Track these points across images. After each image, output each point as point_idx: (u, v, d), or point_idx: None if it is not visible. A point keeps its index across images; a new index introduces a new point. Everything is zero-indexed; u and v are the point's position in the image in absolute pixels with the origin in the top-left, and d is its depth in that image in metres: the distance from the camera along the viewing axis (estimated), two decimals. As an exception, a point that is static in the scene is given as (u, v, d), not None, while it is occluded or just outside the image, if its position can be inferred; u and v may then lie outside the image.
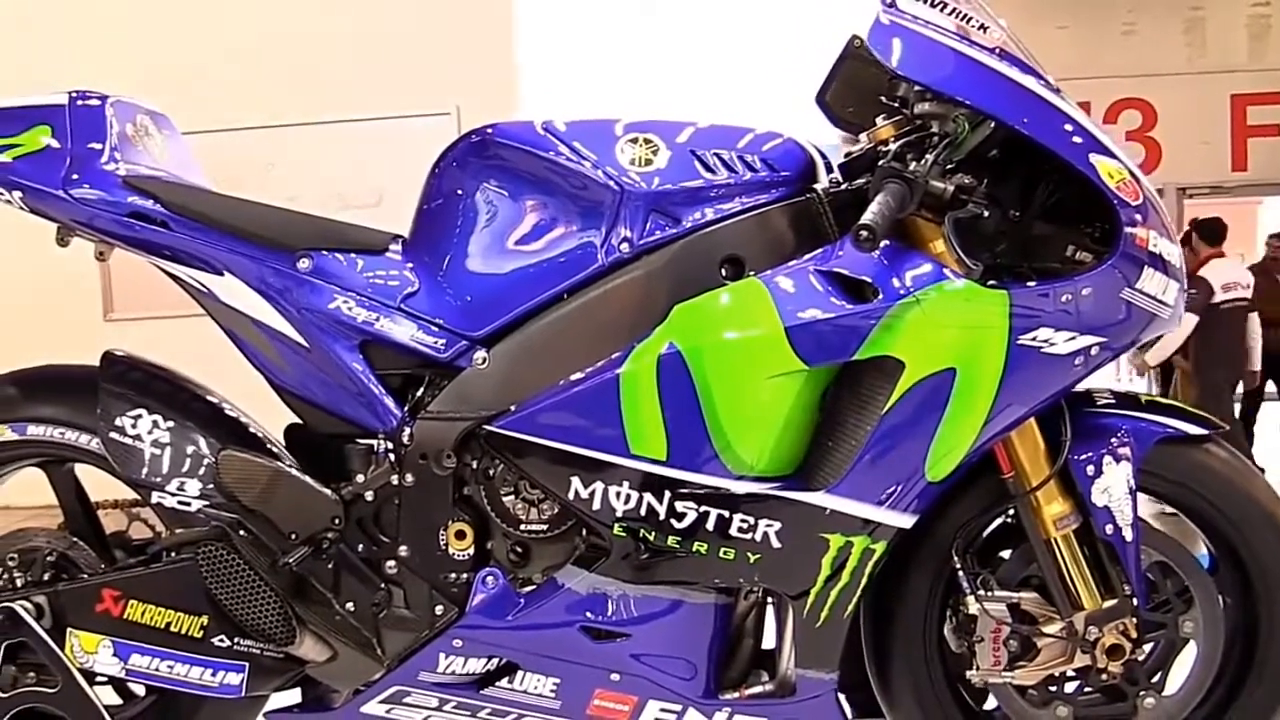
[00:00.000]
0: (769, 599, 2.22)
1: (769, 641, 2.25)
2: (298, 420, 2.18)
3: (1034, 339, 1.90)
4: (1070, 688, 2.19)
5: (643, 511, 1.95)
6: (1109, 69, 8.82)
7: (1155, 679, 2.18)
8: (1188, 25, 9.09)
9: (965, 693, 2.22)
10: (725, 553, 1.97)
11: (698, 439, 1.92)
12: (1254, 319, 7.15)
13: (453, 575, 2.06)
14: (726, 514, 1.95)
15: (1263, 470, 2.28)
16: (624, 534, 1.97)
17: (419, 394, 2.07)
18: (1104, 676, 2.12)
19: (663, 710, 2.09)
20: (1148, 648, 2.14)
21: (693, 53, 7.96)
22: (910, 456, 1.94)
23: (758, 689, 2.15)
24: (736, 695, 2.12)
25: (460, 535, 2.04)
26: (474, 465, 2.04)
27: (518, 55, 7.47)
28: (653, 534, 1.96)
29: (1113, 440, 2.07)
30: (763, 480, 1.95)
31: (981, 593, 2.09)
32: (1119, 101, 8.97)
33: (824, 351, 1.89)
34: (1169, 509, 2.21)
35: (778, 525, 1.95)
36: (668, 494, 1.94)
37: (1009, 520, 2.19)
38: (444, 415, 2.02)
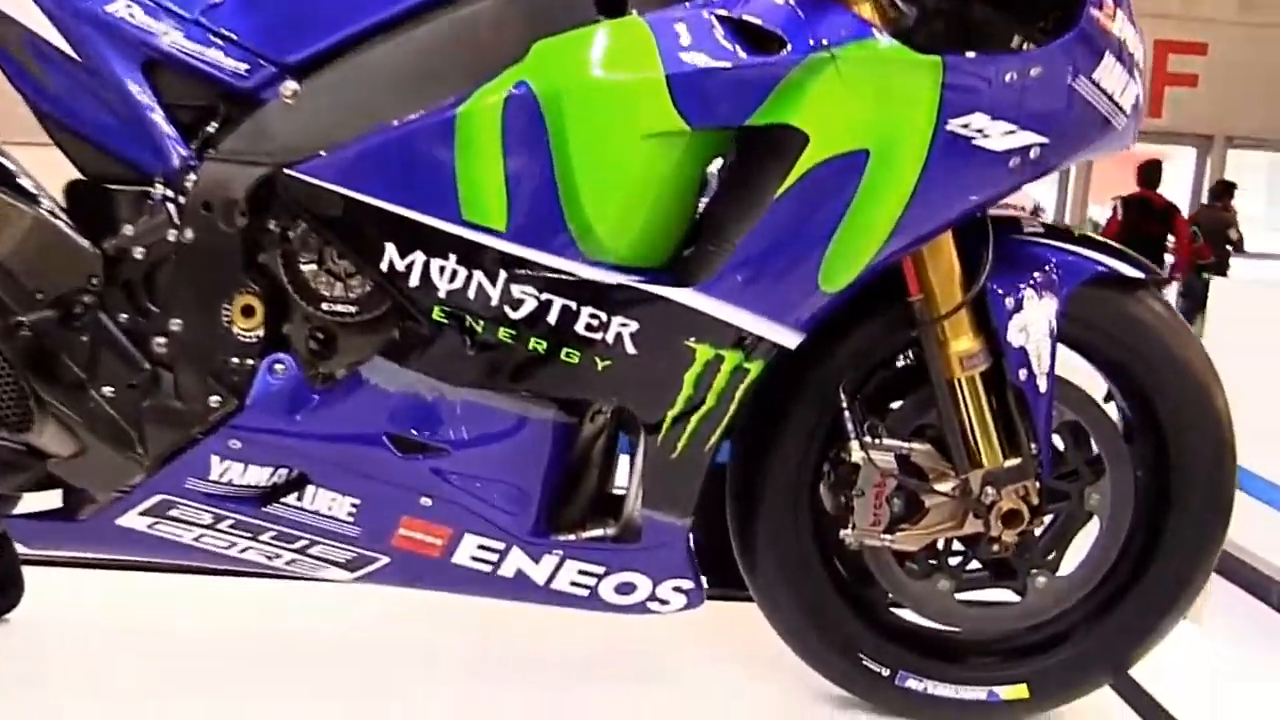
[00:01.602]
0: (621, 430, 1.83)
1: (620, 484, 1.86)
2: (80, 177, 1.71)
3: (966, 125, 1.52)
4: (954, 561, 1.85)
5: (471, 294, 1.54)
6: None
7: (1050, 556, 1.85)
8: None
9: (839, 563, 1.87)
10: (568, 355, 1.56)
11: (545, 207, 1.51)
12: None
13: (235, 360, 1.62)
14: (573, 306, 1.54)
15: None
16: (446, 321, 1.55)
17: (210, 131, 1.61)
18: (995, 548, 1.78)
19: (481, 548, 1.70)
20: (1046, 520, 1.81)
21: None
22: (803, 256, 1.55)
23: (598, 531, 1.76)
24: (572, 537, 1.74)
25: (248, 311, 1.60)
26: (271, 225, 1.59)
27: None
28: (481, 324, 1.55)
29: (1039, 272, 1.71)
30: (621, 270, 1.55)
31: (868, 439, 1.73)
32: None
33: (710, 110, 1.48)
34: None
35: (634, 326, 1.55)
36: (503, 274, 1.53)
37: (907, 363, 1.83)
38: (238, 157, 1.57)
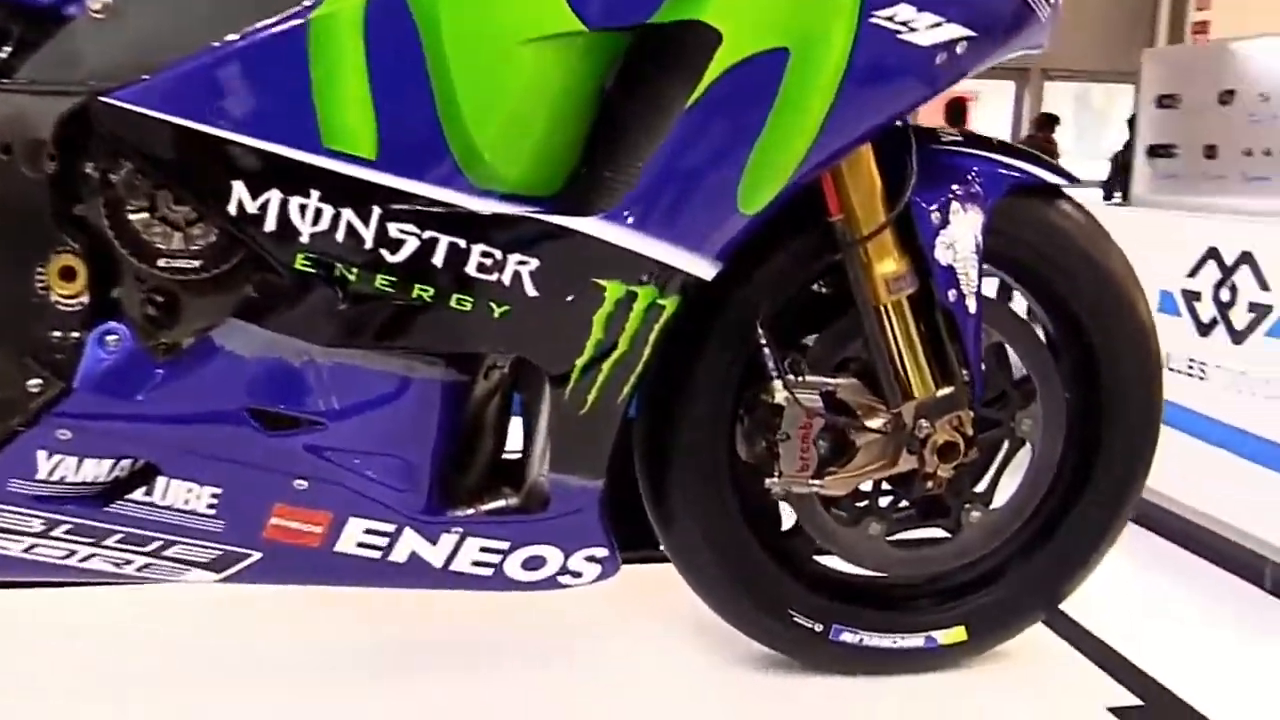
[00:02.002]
0: (519, 386, 1.62)
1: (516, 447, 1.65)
2: None
3: (891, 18, 1.35)
4: (885, 502, 1.70)
5: (339, 237, 1.30)
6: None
7: (982, 489, 1.72)
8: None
9: (760, 514, 1.70)
10: (459, 303, 1.34)
11: (421, 128, 1.28)
12: None
13: (55, 334, 1.35)
14: (462, 244, 1.32)
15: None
16: (311, 271, 1.31)
17: (2, 57, 1.32)
18: (929, 484, 1.64)
19: (369, 532, 1.47)
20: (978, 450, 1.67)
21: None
22: (719, 174, 1.36)
23: (499, 503, 1.55)
24: (470, 511, 1.52)
25: (67, 274, 1.33)
26: (88, 167, 1.31)
27: None
28: (354, 272, 1.31)
29: (963, 184, 1.56)
30: (515, 199, 1.33)
31: (790, 378, 1.56)
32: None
33: (610, 7, 1.28)
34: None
35: (534, 264, 1.34)
36: (376, 212, 1.30)
37: (825, 292, 1.66)
38: (39, 86, 1.30)
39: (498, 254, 1.32)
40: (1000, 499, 1.73)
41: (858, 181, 1.51)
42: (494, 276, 1.33)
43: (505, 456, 1.63)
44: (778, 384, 1.53)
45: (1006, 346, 1.69)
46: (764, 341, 1.54)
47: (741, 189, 1.37)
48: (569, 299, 1.36)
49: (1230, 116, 2.63)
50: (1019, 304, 1.79)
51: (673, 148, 1.33)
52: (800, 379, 1.57)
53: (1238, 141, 2.60)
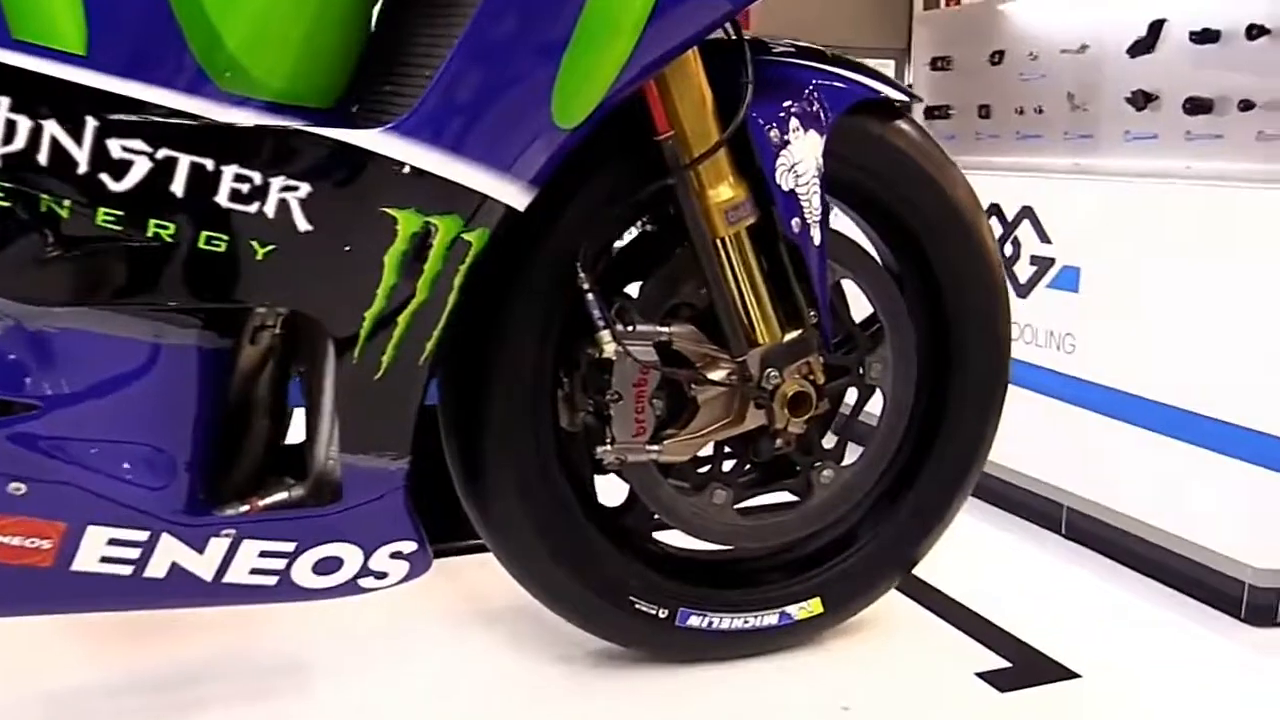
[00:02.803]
0: (297, 350, 1.33)
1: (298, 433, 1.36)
2: None
3: None
4: (729, 466, 1.49)
5: (43, 159, 0.99)
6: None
7: (831, 445, 1.53)
8: None
9: (586, 488, 1.47)
10: (211, 242, 1.05)
11: (149, 18, 0.98)
12: None
13: None
14: (210, 166, 1.03)
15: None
16: (6, 205, 0.99)
17: None
18: (778, 442, 1.44)
19: (115, 543, 1.17)
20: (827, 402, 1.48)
21: None
22: (529, 79, 1.12)
23: (280, 496, 1.26)
24: (244, 509, 1.23)
25: None
26: None
27: None
28: (67, 205, 1.01)
29: (801, 100, 1.36)
30: (278, 109, 1.05)
31: (620, 328, 1.32)
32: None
33: None
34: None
35: (304, 190, 1.06)
36: (92, 124, 0.99)
37: (652, 229, 1.44)
38: None
39: (256, 177, 1.04)
40: (850, 454, 1.55)
41: (687, 95, 1.29)
42: (253, 207, 1.04)
43: (286, 440, 1.33)
44: (605, 335, 1.30)
45: (846, 283, 1.50)
46: (586, 286, 1.30)
47: (557, 98, 1.13)
48: (351, 234, 1.09)
49: (1002, 76, 2.61)
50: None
51: (470, 48, 1.07)
52: (630, 329, 1.34)
53: (1010, 100, 2.58)
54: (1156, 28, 2.12)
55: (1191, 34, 2.04)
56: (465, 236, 1.14)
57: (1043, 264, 2.12)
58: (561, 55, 1.11)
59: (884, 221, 1.52)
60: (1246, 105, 1.97)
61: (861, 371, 1.51)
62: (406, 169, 1.08)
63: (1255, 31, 1.93)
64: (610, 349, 1.30)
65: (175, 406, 1.16)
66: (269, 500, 1.25)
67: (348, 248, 1.09)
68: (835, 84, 1.40)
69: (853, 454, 1.54)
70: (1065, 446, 2.06)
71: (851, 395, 1.53)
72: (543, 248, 1.31)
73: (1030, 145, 2.53)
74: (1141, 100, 2.16)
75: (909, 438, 1.57)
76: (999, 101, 2.63)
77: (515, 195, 1.16)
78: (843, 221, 1.53)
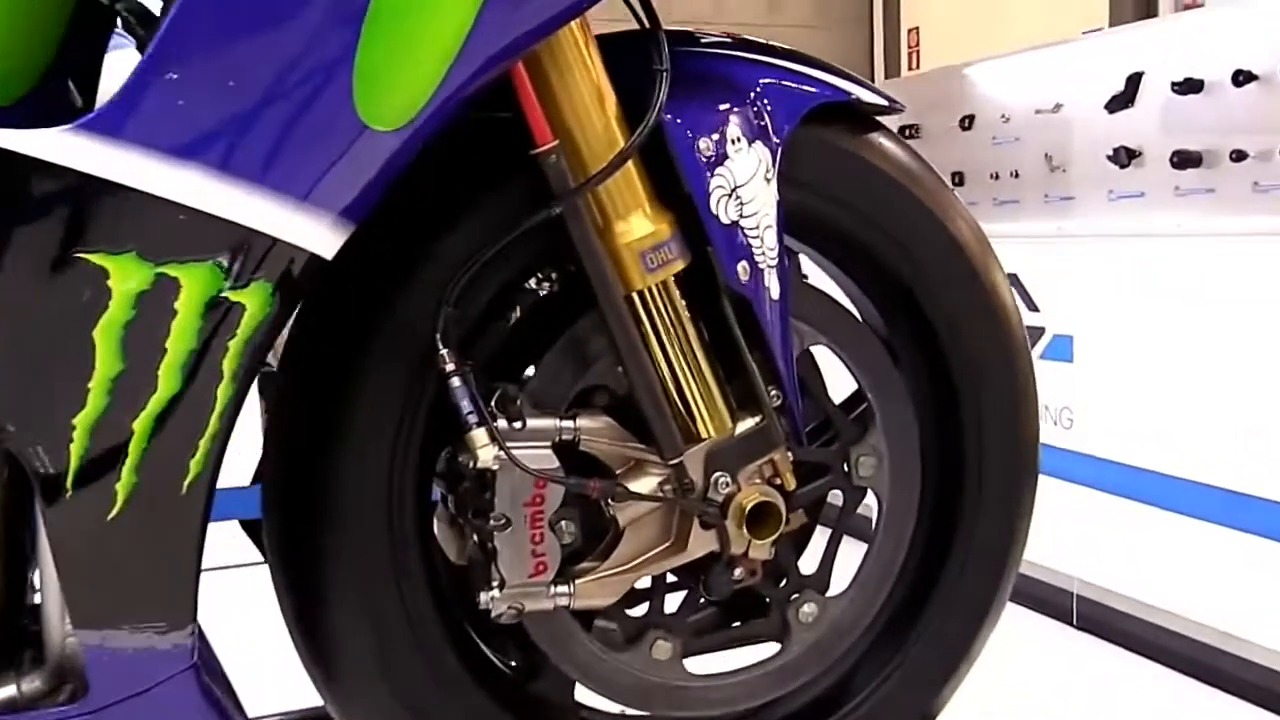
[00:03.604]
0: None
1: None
2: None
3: None
4: (673, 604, 1.07)
5: None
6: None
7: (811, 571, 1.12)
8: None
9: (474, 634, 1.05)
10: None
11: None
12: None
13: None
14: None
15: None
16: None
17: None
18: (737, 572, 1.02)
19: None
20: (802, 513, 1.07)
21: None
22: (313, 55, 0.72)
23: (4, 693, 0.84)
24: (-57, 717, 0.81)
25: None
26: None
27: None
28: None
29: (743, 101, 0.97)
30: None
31: (502, 424, 0.91)
32: None
33: None
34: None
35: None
36: None
37: (542, 285, 1.04)
38: None
39: None
40: (838, 581, 1.13)
41: (577, 91, 0.90)
42: None
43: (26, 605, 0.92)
44: (478, 435, 0.88)
45: (818, 350, 1.10)
46: (450, 367, 0.89)
47: (359, 86, 0.73)
48: (34, 295, 0.68)
49: (973, 141, 2.39)
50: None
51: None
52: (518, 425, 0.93)
53: (984, 166, 2.36)
54: (1135, 80, 1.96)
55: (1173, 84, 1.87)
56: (233, 297, 0.74)
57: (1033, 334, 1.96)
58: (355, 28, 0.72)
59: (863, 268, 1.13)
60: (1239, 156, 1.77)
61: (846, 469, 1.10)
62: (115, 191, 0.68)
63: (1242, 78, 1.74)
64: (487, 455, 0.89)
65: None
66: (-14, 700, 0.83)
67: (29, 320, 0.68)
68: (788, 83, 1.02)
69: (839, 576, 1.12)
70: (1071, 528, 1.90)
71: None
72: (384, 313, 0.91)
73: (1009, 211, 2.35)
74: (1125, 157, 1.97)
75: (914, 552, 1.16)
76: (972, 168, 2.43)
77: (317, 235, 0.76)
78: (807, 268, 1.14)
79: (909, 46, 5.57)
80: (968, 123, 2.44)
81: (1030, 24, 4.33)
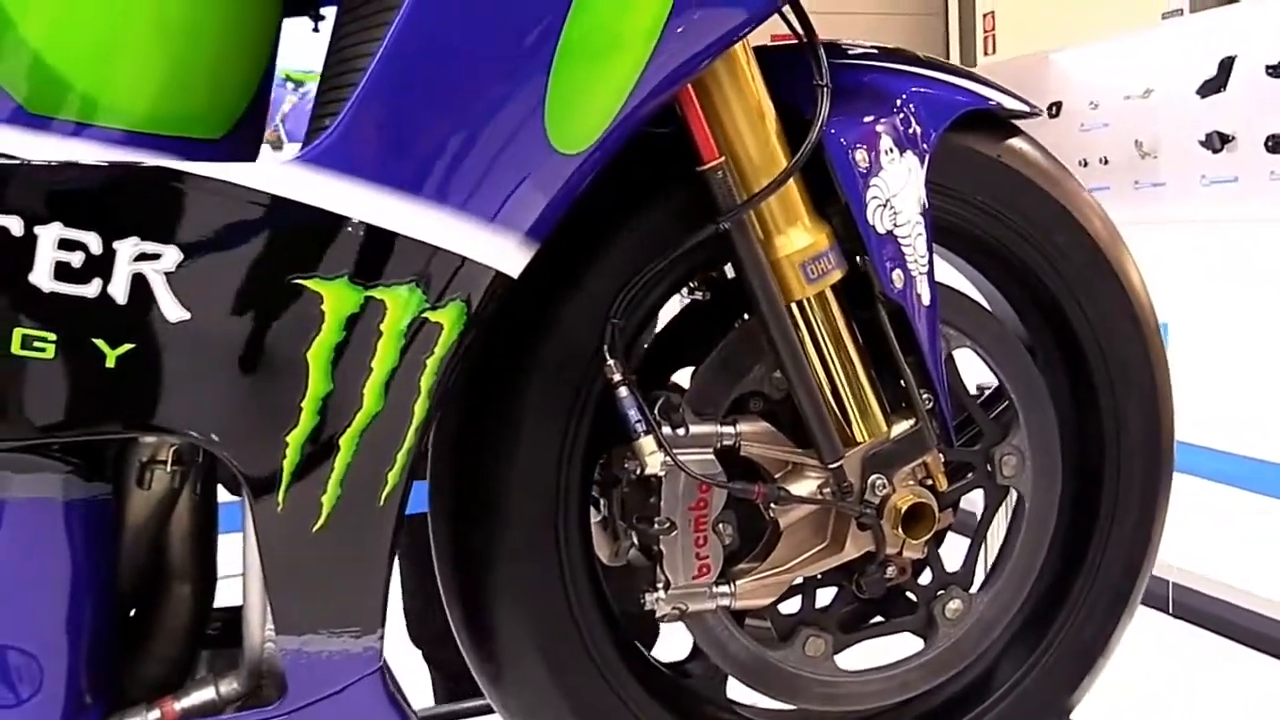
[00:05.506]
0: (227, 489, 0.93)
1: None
2: None
3: None
4: (825, 603, 1.06)
5: None
6: None
7: (958, 567, 1.10)
8: None
9: (635, 635, 1.05)
10: (32, 345, 0.66)
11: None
12: None
13: None
14: (18, 226, 0.63)
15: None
16: None
17: None
18: (889, 571, 1.01)
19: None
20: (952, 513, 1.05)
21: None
22: (511, 83, 0.72)
23: (204, 695, 0.85)
24: (156, 716, 0.82)
25: None
26: None
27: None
28: None
29: (893, 112, 0.95)
30: (127, 140, 0.66)
31: (667, 431, 0.91)
32: None
33: None
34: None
35: (172, 257, 0.67)
36: None
37: (703, 296, 1.03)
38: None
39: (94, 243, 0.64)
40: (979, 576, 1.11)
41: (741, 110, 0.89)
42: (92, 288, 0.65)
43: (216, 613, 0.93)
44: (647, 443, 0.88)
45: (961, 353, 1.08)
46: (618, 377, 0.88)
47: (549, 115, 0.73)
48: (253, 322, 0.69)
49: (1061, 128, 2.31)
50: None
51: (409, 26, 0.68)
52: (682, 432, 0.93)
53: (1073, 153, 2.27)
54: (1227, 65, 1.86)
55: (1268, 68, 1.80)
56: (431, 317, 0.74)
57: (1153, 320, 1.82)
58: (554, 48, 0.71)
59: (1002, 270, 1.10)
60: (1336, 139, 1.65)
61: (990, 468, 1.08)
62: (331, 220, 0.68)
63: (1339, 60, 1.63)
64: (654, 462, 0.89)
65: (41, 586, 0.76)
66: (188, 702, 0.84)
67: (248, 342, 0.69)
68: (933, 91, 1.00)
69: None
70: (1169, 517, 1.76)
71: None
72: (554, 328, 0.90)
73: (1098, 198, 2.25)
74: (1217, 141, 1.88)
75: (1054, 549, 1.13)
76: (1060, 155, 2.36)
77: (506, 254, 0.76)
78: (946, 273, 1.12)
79: (985, 31, 5.45)
80: (1055, 110, 2.39)
81: (1108, 5, 4.22)
